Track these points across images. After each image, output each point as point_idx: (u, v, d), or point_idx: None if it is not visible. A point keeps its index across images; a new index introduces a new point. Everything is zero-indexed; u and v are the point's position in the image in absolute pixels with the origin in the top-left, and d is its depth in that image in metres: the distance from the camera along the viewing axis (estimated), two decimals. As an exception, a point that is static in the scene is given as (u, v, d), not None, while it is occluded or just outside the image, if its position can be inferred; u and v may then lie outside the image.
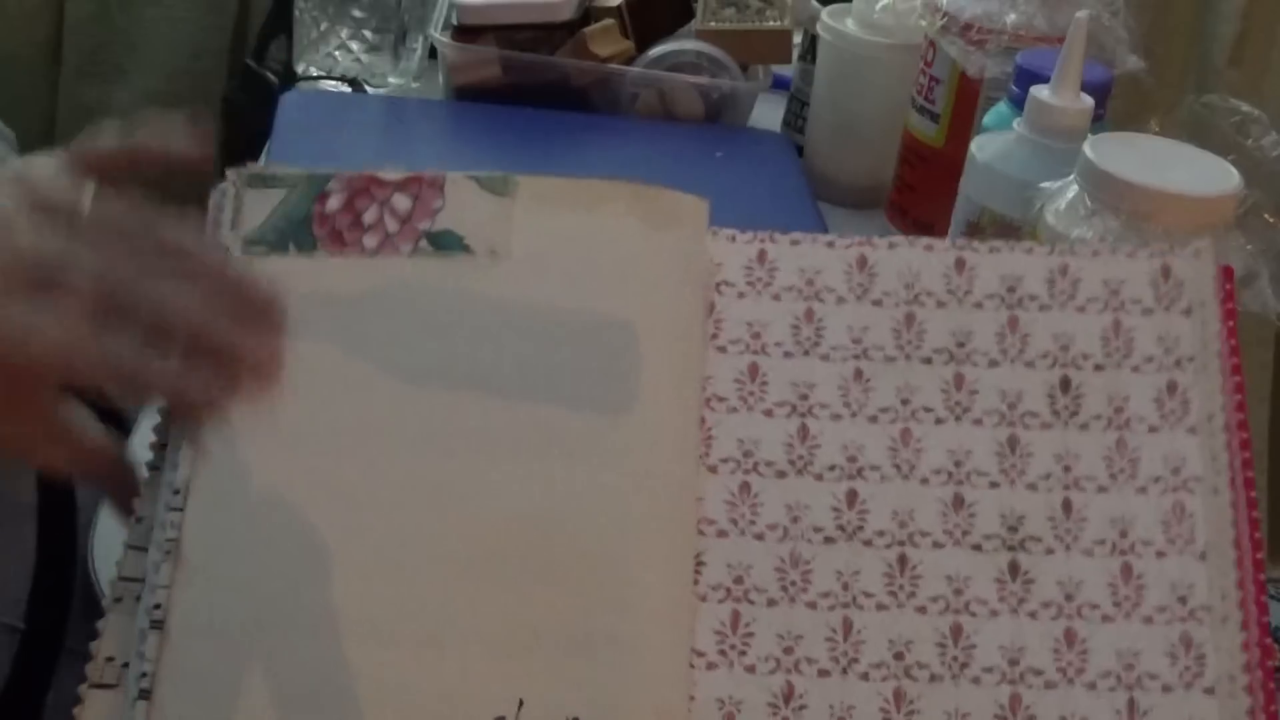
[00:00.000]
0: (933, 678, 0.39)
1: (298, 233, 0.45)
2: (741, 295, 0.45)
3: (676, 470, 0.42)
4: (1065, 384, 0.43)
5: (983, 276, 0.44)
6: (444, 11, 0.93)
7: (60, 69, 1.45)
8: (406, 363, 0.43)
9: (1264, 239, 0.59)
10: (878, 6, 0.88)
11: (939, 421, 0.42)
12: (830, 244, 0.45)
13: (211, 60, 1.48)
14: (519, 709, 0.38)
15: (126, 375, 0.39)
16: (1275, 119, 0.63)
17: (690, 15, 0.93)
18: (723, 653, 0.40)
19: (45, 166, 0.42)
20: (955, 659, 0.40)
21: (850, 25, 0.90)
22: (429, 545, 0.40)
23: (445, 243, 0.44)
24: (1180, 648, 0.39)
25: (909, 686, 0.39)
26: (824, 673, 0.40)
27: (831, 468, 0.42)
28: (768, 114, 0.97)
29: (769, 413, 0.43)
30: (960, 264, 0.44)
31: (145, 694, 0.38)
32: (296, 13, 0.96)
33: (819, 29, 0.92)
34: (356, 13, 0.95)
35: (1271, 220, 0.60)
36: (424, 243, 0.44)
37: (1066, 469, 0.42)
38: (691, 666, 0.40)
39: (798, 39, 0.96)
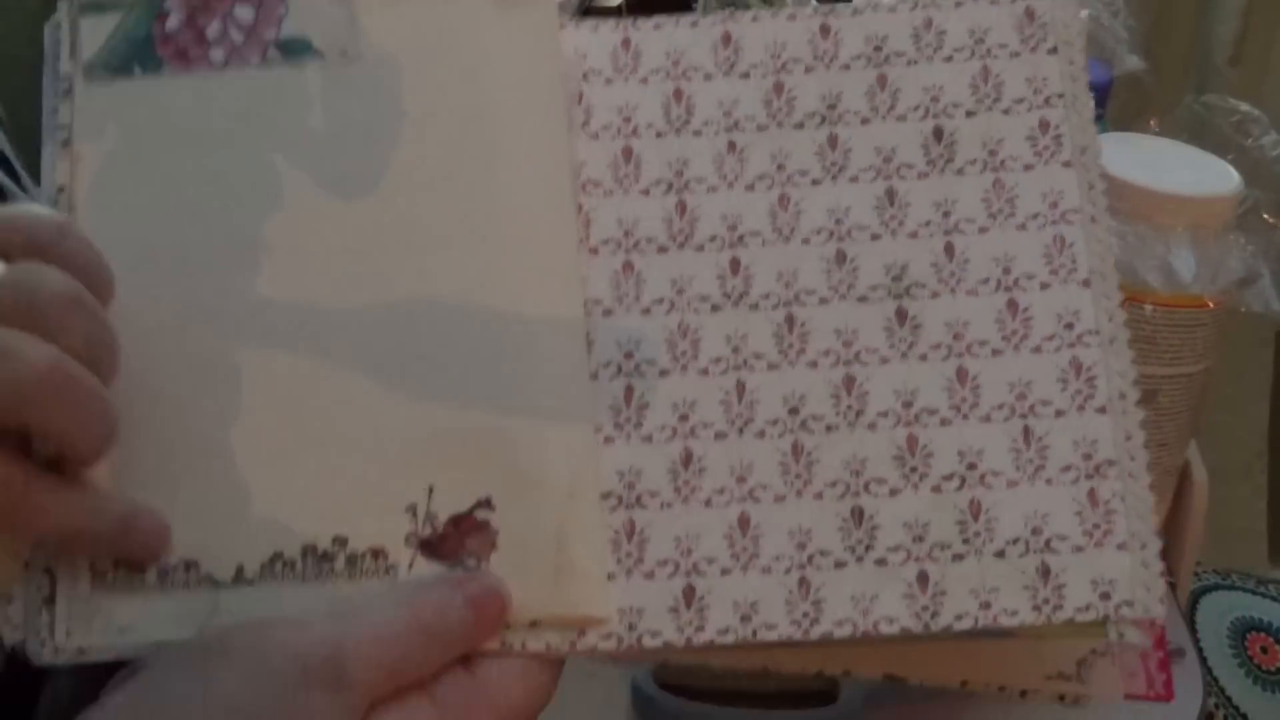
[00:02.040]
0: (829, 428, 0.40)
1: (141, 54, 0.44)
2: (609, 82, 0.45)
3: (557, 249, 0.42)
4: (939, 133, 0.43)
5: (848, 39, 0.45)
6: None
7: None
8: (268, 175, 0.42)
9: (1264, 239, 0.59)
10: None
11: (815, 183, 0.43)
12: (694, 24, 0.46)
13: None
14: (429, 496, 0.38)
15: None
16: (1275, 119, 0.63)
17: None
18: (619, 426, 0.40)
19: None
20: (850, 408, 0.40)
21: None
22: (318, 350, 0.40)
23: (294, 49, 0.43)
24: (1070, 372, 0.40)
25: (805, 439, 0.40)
26: (720, 435, 0.40)
27: (712, 238, 0.42)
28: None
29: (646, 192, 0.43)
30: (825, 29, 0.45)
31: None
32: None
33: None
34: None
35: (1271, 220, 0.60)
36: (272, 51, 0.43)
37: (946, 215, 0.42)
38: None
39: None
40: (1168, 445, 0.61)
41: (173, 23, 0.44)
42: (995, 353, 0.41)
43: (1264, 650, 0.77)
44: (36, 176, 0.49)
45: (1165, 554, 0.64)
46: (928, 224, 0.42)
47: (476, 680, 0.36)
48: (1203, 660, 0.68)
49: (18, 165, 0.74)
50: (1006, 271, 0.41)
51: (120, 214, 0.42)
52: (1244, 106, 0.64)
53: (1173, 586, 0.64)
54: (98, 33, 0.44)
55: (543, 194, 0.42)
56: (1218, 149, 0.62)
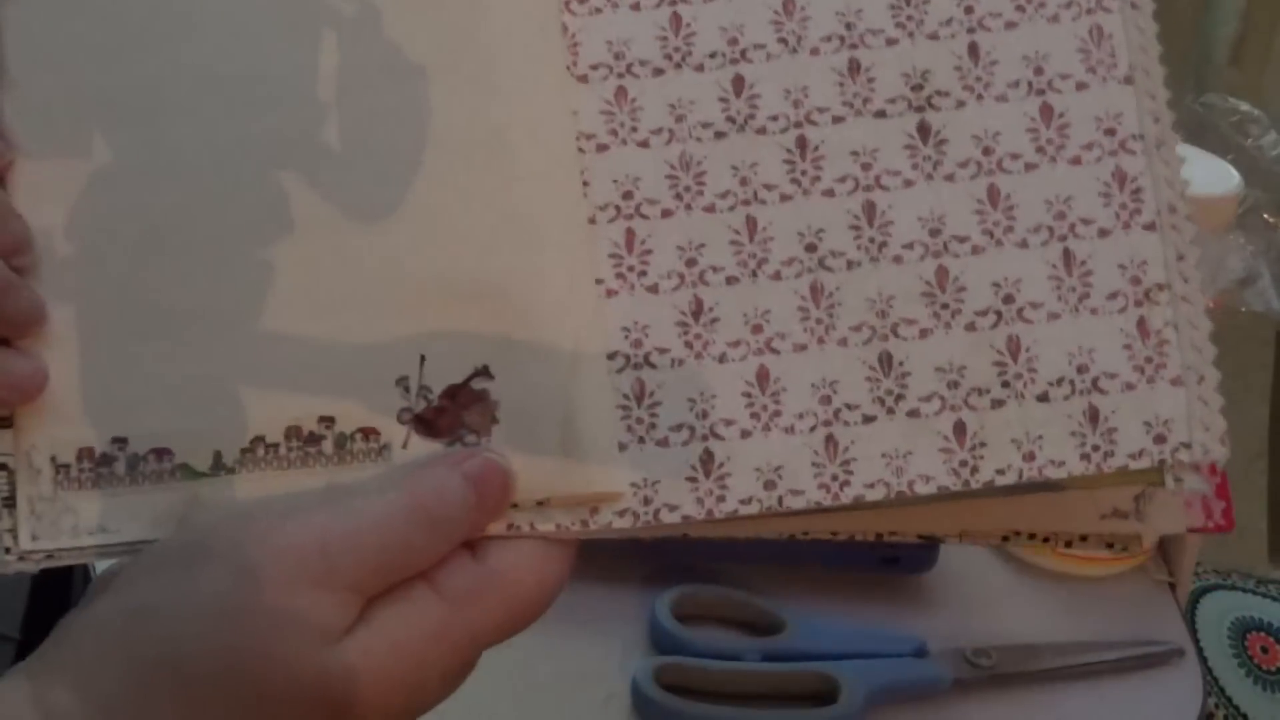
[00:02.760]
0: (850, 264, 0.36)
1: None
2: (599, 11, 0.40)
3: (543, 80, 0.38)
4: None
5: None
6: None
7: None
8: (232, 67, 0.38)
9: (1264, 239, 0.59)
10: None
11: None
12: None
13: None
14: (421, 365, 0.36)
15: None
16: (1275, 119, 0.63)
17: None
18: (621, 276, 0.37)
19: None
20: (872, 240, 0.37)
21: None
22: (292, 200, 0.37)
23: None
24: (1114, 184, 0.36)
25: (825, 278, 0.36)
26: (733, 279, 0.37)
27: (712, 55, 0.38)
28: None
29: (636, 7, 0.39)
30: None
31: (4, 421, 0.35)
32: None
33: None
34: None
35: (1271, 220, 0.60)
36: None
37: (968, 10, 0.38)
38: None
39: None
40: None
41: None
42: (1029, 167, 0.37)
43: (1264, 650, 0.77)
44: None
45: (1165, 554, 0.64)
46: (949, 22, 0.38)
47: (484, 567, 0.34)
48: (1203, 660, 0.68)
49: None
50: (1039, 72, 0.37)
51: (60, 60, 0.37)
52: (1244, 106, 0.64)
53: (1172, 587, 0.64)
54: None
55: (527, 16, 0.39)
56: (1218, 149, 0.62)
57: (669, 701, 0.53)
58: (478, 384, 0.36)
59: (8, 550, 0.35)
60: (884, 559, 0.60)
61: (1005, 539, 0.37)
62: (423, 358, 0.36)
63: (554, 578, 0.35)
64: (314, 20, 0.38)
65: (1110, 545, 0.37)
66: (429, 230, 0.37)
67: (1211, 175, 0.59)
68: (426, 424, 0.35)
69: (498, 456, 0.35)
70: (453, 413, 0.35)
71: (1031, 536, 0.37)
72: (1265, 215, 0.60)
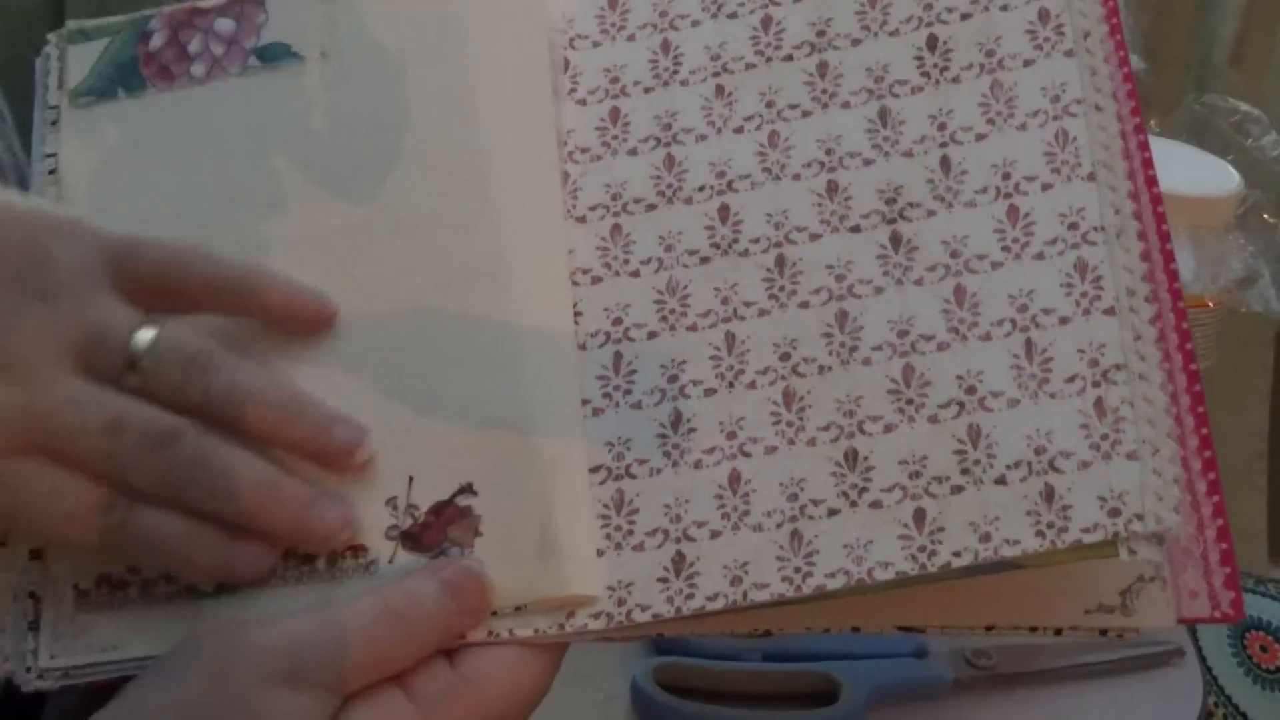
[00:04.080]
0: (821, 369, 0.38)
1: (125, 76, 0.44)
2: (596, 45, 0.44)
3: (542, 221, 0.41)
4: (932, 42, 0.41)
5: None
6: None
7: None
8: (252, 179, 0.42)
9: (1264, 239, 0.59)
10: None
11: (806, 115, 0.41)
12: None
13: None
14: (409, 486, 0.38)
15: (163, 558, 0.37)
16: (1275, 119, 0.63)
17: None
18: (607, 395, 0.39)
19: (94, 297, 0.37)
20: (843, 345, 0.38)
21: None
22: (295, 342, 0.39)
23: (274, 54, 0.43)
24: (1075, 275, 0.37)
25: (797, 384, 0.38)
26: (710, 391, 0.38)
27: (701, 189, 0.41)
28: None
29: (634, 152, 0.42)
30: None
31: (36, 554, 0.39)
32: None
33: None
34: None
35: (1271, 220, 0.60)
36: (252, 59, 0.43)
37: (941, 127, 0.40)
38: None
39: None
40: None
41: (156, 42, 0.44)
42: (995, 265, 0.38)
43: (1264, 649, 0.77)
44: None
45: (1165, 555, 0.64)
46: (922, 140, 0.40)
47: (458, 673, 0.35)
48: (1202, 659, 0.68)
49: (16, 143, 0.74)
50: (1006, 177, 0.39)
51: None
52: (1244, 106, 0.64)
53: (1173, 586, 0.64)
54: (85, 60, 0.44)
55: (529, 167, 0.42)
56: (1218, 149, 0.62)
57: (669, 701, 0.53)
58: (462, 500, 0.37)
59: (29, 669, 0.37)
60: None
61: (989, 628, 0.38)
62: (411, 478, 0.38)
63: (530, 682, 0.36)
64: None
65: (1104, 633, 0.37)
66: (424, 365, 0.39)
67: (1211, 175, 0.60)
68: (413, 539, 0.37)
69: (473, 564, 0.36)
70: (438, 528, 0.37)
71: (1014, 628, 0.38)
72: (1265, 215, 0.60)
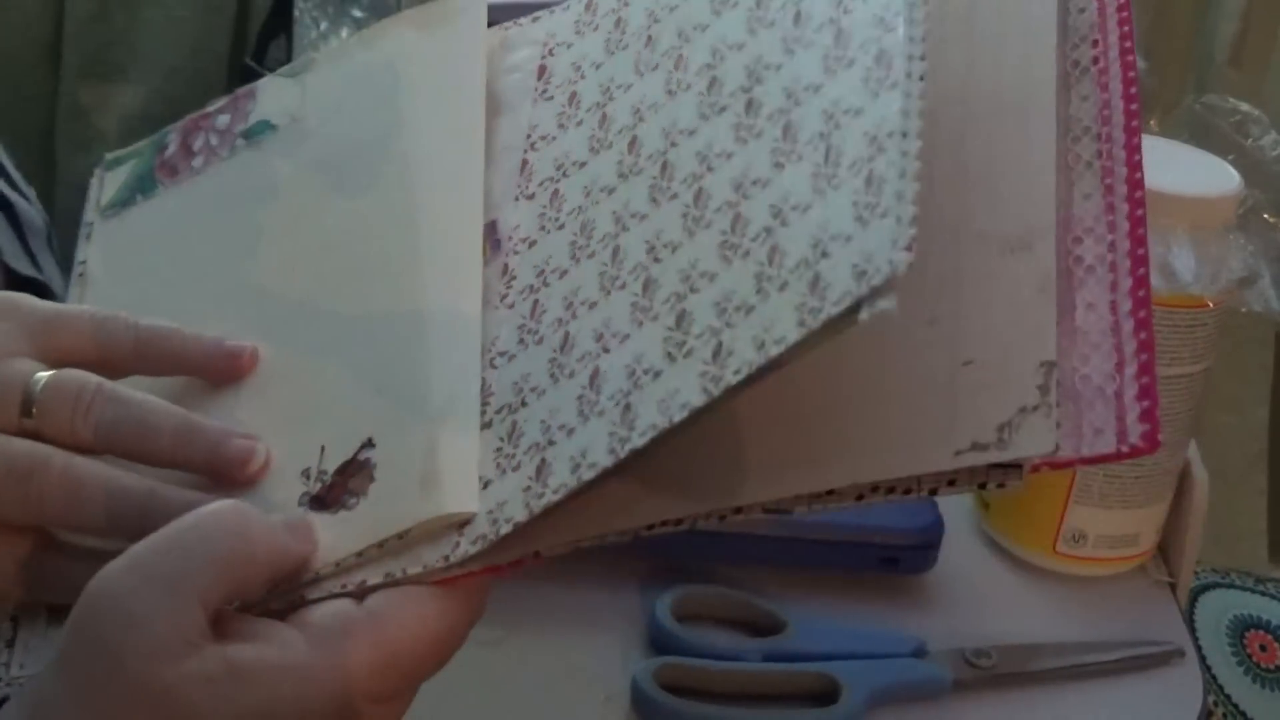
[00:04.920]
0: (673, 248, 0.38)
1: (143, 184, 0.49)
2: (569, 45, 0.46)
3: (458, 215, 0.44)
4: None
5: None
6: (444, 11, 0.93)
7: (60, 69, 1.45)
8: (239, 237, 0.46)
9: (1264, 239, 0.59)
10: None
11: (703, 29, 0.42)
12: None
13: (211, 60, 1.47)
14: (321, 454, 0.39)
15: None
16: (1275, 119, 0.63)
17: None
18: (521, 341, 0.40)
19: (8, 363, 0.39)
20: (695, 219, 0.38)
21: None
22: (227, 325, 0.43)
23: (257, 131, 0.48)
24: (877, 68, 0.35)
25: (655, 270, 0.38)
26: (593, 304, 0.39)
27: (620, 131, 0.42)
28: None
29: (580, 123, 0.44)
30: None
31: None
32: (296, 13, 0.96)
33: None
34: (356, 13, 0.95)
35: (1271, 220, 0.60)
36: (239, 141, 0.48)
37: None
38: (495, 368, 0.40)
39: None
40: (1168, 446, 0.61)
41: (170, 150, 0.49)
42: (815, 89, 0.36)
43: (1263, 648, 0.77)
44: (33, 180, 0.54)
45: (1165, 554, 0.64)
46: (784, 5, 0.39)
47: (359, 608, 0.35)
48: (1201, 659, 0.68)
49: (9, 166, 0.74)
50: (839, 5, 0.37)
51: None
52: (1244, 106, 0.63)
53: (1173, 586, 0.64)
54: (116, 181, 0.50)
55: (451, 175, 0.44)
56: (1218, 149, 0.62)
57: (669, 701, 0.53)
58: (363, 454, 0.39)
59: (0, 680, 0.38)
60: (884, 559, 0.60)
61: (860, 498, 0.35)
62: (323, 448, 0.39)
63: (439, 619, 0.35)
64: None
65: (984, 485, 0.34)
66: (337, 335, 0.42)
67: (1211, 175, 0.59)
68: (320, 501, 0.38)
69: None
70: (340, 485, 0.39)
71: (890, 492, 0.35)
72: (1265, 215, 0.60)
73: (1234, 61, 1.29)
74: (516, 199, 0.43)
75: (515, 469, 0.37)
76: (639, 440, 0.35)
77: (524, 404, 0.39)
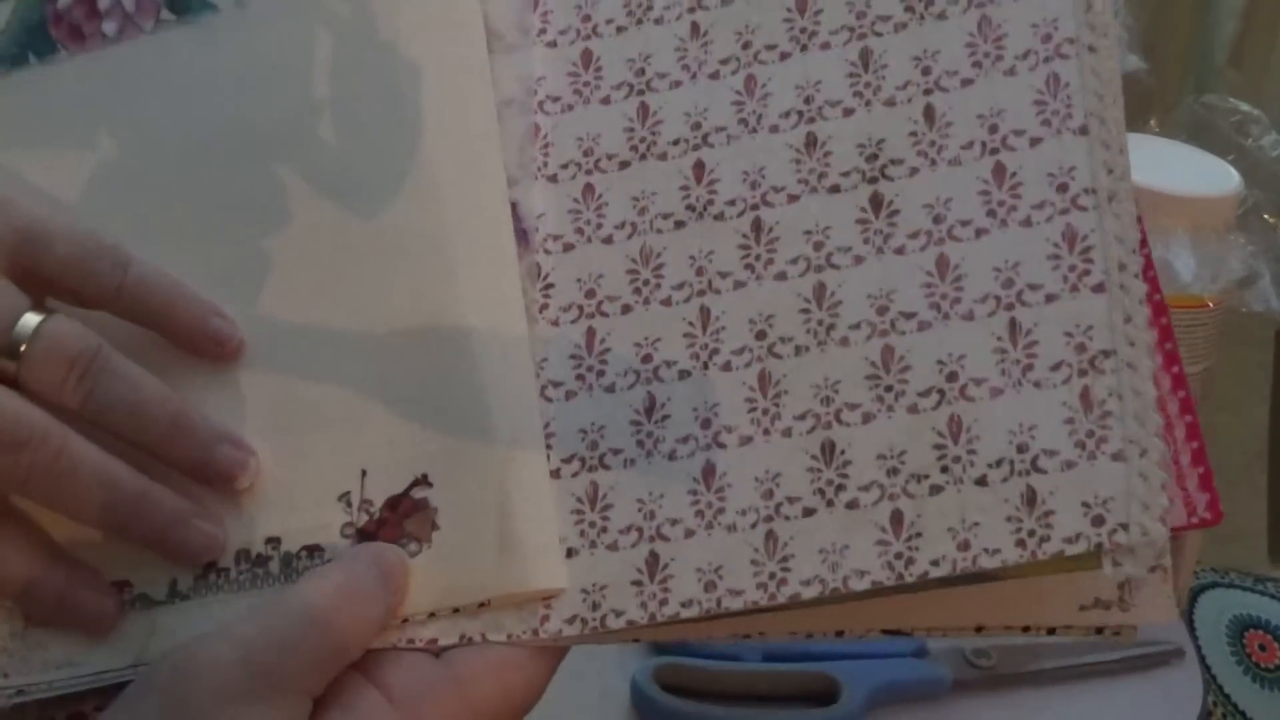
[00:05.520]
0: (798, 350, 0.36)
1: (35, 40, 0.41)
2: None
3: (483, 190, 0.39)
4: None
5: None
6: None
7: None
8: (174, 143, 0.39)
9: (1264, 239, 0.59)
10: None
11: (784, 56, 0.38)
12: None
13: None
14: (363, 480, 0.36)
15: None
16: (1275, 119, 0.63)
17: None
18: (580, 377, 0.37)
19: None
20: (820, 323, 0.36)
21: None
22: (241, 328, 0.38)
23: (186, 5, 0.41)
24: (1064, 245, 0.34)
25: (774, 366, 0.36)
26: (684, 373, 0.36)
27: (675, 142, 0.38)
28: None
29: (606, 100, 0.39)
30: None
31: None
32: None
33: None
34: None
35: (1271, 220, 0.60)
36: (165, 13, 0.41)
37: (925, 71, 0.37)
38: (549, 400, 0.37)
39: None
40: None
41: (64, 0, 0.42)
42: (980, 232, 0.35)
43: (1262, 648, 0.77)
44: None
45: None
46: (905, 85, 0.37)
47: (441, 669, 0.34)
48: (1201, 658, 0.68)
49: None
50: (993, 130, 0.36)
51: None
52: (1244, 106, 0.64)
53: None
54: None
55: (464, 129, 0.39)
56: (1218, 149, 0.62)
57: (669, 701, 0.53)
58: (418, 492, 0.36)
59: None
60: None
61: (979, 630, 0.36)
62: (364, 472, 0.36)
63: (520, 685, 0.34)
64: None
65: (1099, 631, 0.35)
66: (373, 346, 0.37)
67: (1211, 175, 0.59)
68: (369, 537, 0.36)
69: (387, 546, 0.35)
70: (394, 523, 0.36)
71: (1007, 629, 0.35)
72: (1265, 215, 0.60)
73: (1234, 61, 1.29)
74: (535, 176, 0.39)
75: (610, 547, 0.35)
76: (803, 591, 0.33)
77: (603, 464, 0.36)
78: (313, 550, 0.36)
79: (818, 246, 0.36)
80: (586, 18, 0.41)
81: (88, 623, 0.36)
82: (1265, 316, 0.58)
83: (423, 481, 0.36)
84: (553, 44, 0.40)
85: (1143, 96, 0.78)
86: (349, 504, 0.36)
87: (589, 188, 0.39)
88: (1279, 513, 1.28)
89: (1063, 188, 0.35)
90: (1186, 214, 0.57)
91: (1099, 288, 0.34)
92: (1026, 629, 0.35)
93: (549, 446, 0.37)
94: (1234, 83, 1.27)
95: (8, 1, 0.42)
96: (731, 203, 0.38)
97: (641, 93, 0.39)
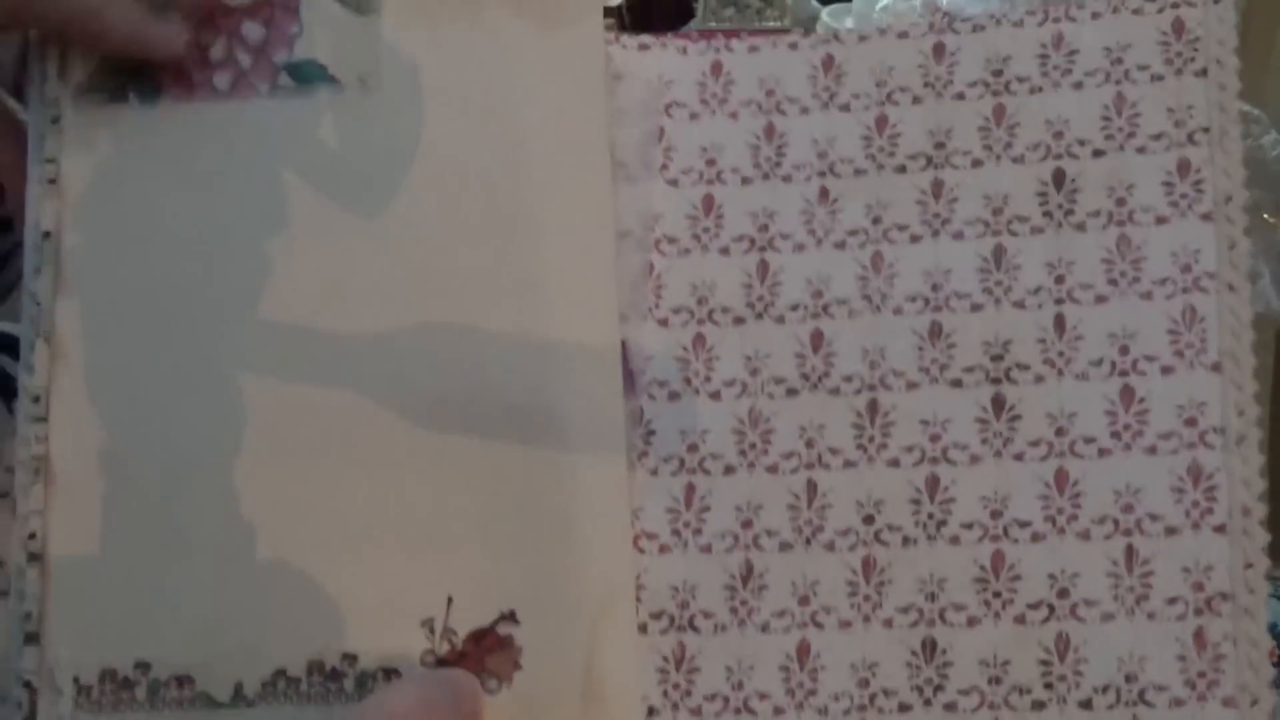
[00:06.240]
0: (905, 541, 0.36)
1: (137, 78, 0.40)
2: (694, 116, 0.40)
3: (593, 320, 0.38)
4: (1059, 177, 0.38)
5: (965, 61, 0.39)
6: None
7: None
8: (278, 218, 0.38)
9: (1264, 239, 0.59)
10: (878, 6, 0.88)
11: (914, 239, 0.38)
12: (794, 45, 0.41)
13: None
14: (449, 607, 0.36)
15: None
16: (1275, 119, 0.63)
17: (691, 15, 0.93)
18: (676, 533, 0.37)
19: None
20: (931, 516, 0.36)
21: (850, 25, 0.90)
22: (331, 436, 0.37)
23: (307, 74, 0.40)
24: (1188, 481, 0.35)
25: (879, 553, 0.36)
26: (786, 545, 0.37)
27: (794, 307, 0.38)
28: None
29: (725, 250, 0.39)
30: (939, 50, 0.39)
31: (32, 638, 0.35)
32: None
33: (819, 29, 0.91)
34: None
35: (1271, 220, 0.60)
36: (284, 77, 0.40)
37: (1059, 279, 0.37)
38: (642, 551, 0.37)
39: (797, 38, 0.96)
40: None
41: None
42: (1103, 453, 0.36)
43: (1263, 650, 0.77)
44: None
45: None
46: (1037, 291, 0.37)
47: None
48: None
49: None
50: (1124, 351, 0.36)
51: (113, 266, 0.38)
52: (1244, 106, 0.63)
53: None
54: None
55: (582, 248, 0.39)
56: (1218, 149, 0.62)
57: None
58: (503, 628, 0.36)
59: None
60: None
61: None
62: (450, 599, 0.36)
63: None
64: None
65: None
66: (471, 472, 0.36)
67: (1211, 175, 0.59)
68: (448, 666, 0.36)
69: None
70: (475, 657, 0.36)
71: None
72: (1265, 215, 0.60)
73: (1234, 62, 1.29)
74: (646, 317, 0.39)
75: (694, 712, 0.35)
76: None
77: (693, 625, 0.36)
78: (390, 674, 0.35)
79: (934, 438, 0.37)
80: (711, 161, 0.40)
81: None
82: (1265, 316, 0.58)
83: (510, 618, 0.36)
84: (674, 182, 0.40)
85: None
86: (432, 630, 0.36)
87: (700, 338, 0.39)
88: (1279, 513, 1.28)
89: (1191, 421, 0.35)
90: (1186, 214, 0.57)
91: (1220, 529, 0.34)
92: None
93: (639, 599, 0.36)
94: (1234, 83, 1.27)
95: None
96: (848, 379, 0.37)
97: (763, 249, 0.39)
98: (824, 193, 0.39)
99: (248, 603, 0.36)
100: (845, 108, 0.40)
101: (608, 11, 0.92)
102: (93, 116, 0.39)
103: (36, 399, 0.36)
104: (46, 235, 0.38)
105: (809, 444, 0.37)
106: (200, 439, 0.37)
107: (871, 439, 0.37)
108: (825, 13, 0.92)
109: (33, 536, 0.35)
